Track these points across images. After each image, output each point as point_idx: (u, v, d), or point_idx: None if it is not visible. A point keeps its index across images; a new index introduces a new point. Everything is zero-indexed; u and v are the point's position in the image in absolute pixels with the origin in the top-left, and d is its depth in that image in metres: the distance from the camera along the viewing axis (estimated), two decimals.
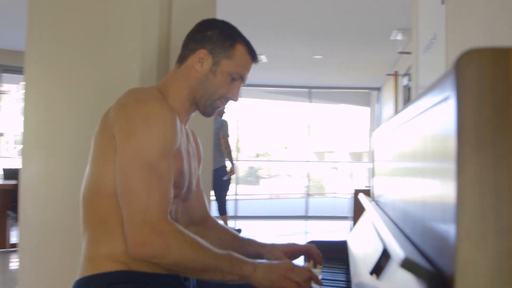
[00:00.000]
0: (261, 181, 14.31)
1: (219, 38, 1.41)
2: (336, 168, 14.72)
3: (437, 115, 0.66)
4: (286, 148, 15.18)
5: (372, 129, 10.46)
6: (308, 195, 8.73)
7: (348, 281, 1.44)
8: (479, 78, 0.57)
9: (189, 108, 1.44)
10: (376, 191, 1.82)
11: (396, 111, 6.37)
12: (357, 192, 6.66)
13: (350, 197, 8.11)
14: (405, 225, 1.00)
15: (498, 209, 0.56)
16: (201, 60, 1.40)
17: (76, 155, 2.24)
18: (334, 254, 1.80)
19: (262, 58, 6.69)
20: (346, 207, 10.13)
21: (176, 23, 2.41)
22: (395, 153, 1.22)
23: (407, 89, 5.99)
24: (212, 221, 1.68)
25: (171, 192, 1.28)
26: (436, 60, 2.59)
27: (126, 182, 1.22)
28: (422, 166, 0.81)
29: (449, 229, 0.60)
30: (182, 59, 1.45)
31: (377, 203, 1.64)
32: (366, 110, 11.45)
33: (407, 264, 0.63)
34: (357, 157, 17.18)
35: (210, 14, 2.47)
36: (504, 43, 1.53)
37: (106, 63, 2.29)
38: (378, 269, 0.99)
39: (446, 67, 2.27)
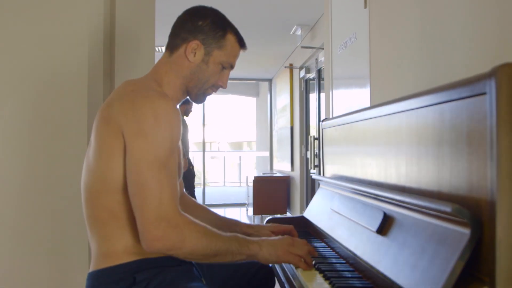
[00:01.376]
0: None
1: (210, 29, 1.45)
2: (215, 157, 15.01)
3: (469, 105, 0.90)
4: None
5: (260, 119, 10.90)
6: (205, 184, 8.88)
7: (326, 246, 1.67)
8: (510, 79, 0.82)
9: (181, 97, 1.50)
10: (329, 173, 2.08)
11: (292, 102, 6.78)
12: (257, 179, 7.02)
13: (246, 185, 8.49)
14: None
15: None
16: (193, 51, 1.44)
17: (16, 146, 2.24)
18: (295, 227, 2.03)
19: (162, 49, 6.70)
20: (239, 195, 10.52)
21: (120, 6, 2.49)
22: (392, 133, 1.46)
23: (304, 81, 6.41)
24: (187, 198, 1.79)
25: (178, 185, 1.35)
26: (353, 56, 2.91)
27: (139, 181, 1.25)
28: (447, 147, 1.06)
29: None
30: (173, 47, 1.47)
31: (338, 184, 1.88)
32: (252, 101, 11.88)
33: (456, 211, 0.86)
34: (237, 146, 17.65)
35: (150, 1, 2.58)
36: (422, 43, 1.85)
37: (53, 48, 2.29)
38: (380, 231, 1.23)
39: (369, 61, 2.59)
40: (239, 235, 1.38)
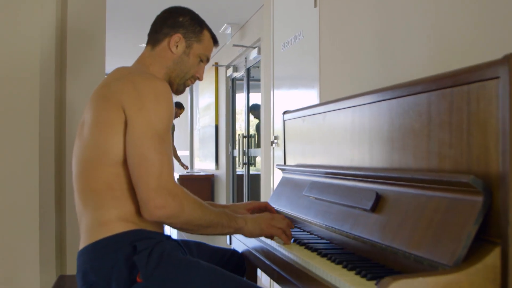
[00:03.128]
0: None
1: (190, 24, 1.61)
2: None
3: (483, 88, 1.02)
4: None
5: (180, 118, 10.80)
6: None
7: (301, 230, 1.74)
8: None
9: None
10: (292, 162, 2.16)
11: (218, 100, 6.82)
12: (182, 177, 6.98)
13: None
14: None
15: None
16: (176, 44, 1.58)
17: None
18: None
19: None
20: None
21: (72, 4, 2.46)
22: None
23: (231, 79, 6.48)
24: None
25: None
26: (300, 54, 3.03)
27: (141, 152, 1.34)
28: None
29: None
30: (155, 42, 1.61)
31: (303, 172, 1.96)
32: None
33: (472, 181, 0.97)
34: None
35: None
36: (374, 42, 2.00)
37: (5, 44, 2.21)
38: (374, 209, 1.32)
39: (319, 61, 2.71)
40: (227, 211, 1.51)
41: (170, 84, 1.59)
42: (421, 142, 1.22)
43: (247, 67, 5.67)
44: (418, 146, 1.23)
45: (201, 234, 1.45)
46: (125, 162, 1.37)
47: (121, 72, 1.51)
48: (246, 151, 5.61)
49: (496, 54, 1.03)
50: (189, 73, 1.62)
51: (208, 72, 7.20)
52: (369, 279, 1.08)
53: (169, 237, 1.51)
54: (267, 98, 3.69)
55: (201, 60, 1.64)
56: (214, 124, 6.90)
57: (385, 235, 1.22)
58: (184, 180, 6.93)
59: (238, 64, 6.06)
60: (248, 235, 1.52)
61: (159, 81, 1.43)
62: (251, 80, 5.80)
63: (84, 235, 1.41)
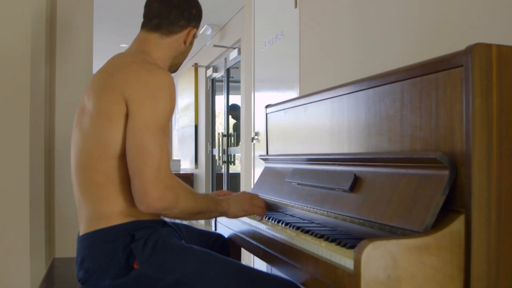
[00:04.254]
0: None
1: (199, 15, 1.66)
2: None
3: (448, 75, 1.14)
4: None
5: None
6: None
7: (284, 214, 1.86)
8: (481, 55, 1.08)
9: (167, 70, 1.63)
10: (274, 153, 2.27)
11: (197, 101, 6.90)
12: None
13: None
14: None
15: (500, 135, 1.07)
16: (190, 38, 1.62)
17: None
18: None
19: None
20: None
21: None
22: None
23: (210, 80, 6.58)
24: None
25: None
26: (280, 54, 3.15)
27: (141, 144, 1.35)
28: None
29: None
30: (168, 31, 1.56)
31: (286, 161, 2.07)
32: None
33: (439, 157, 1.10)
34: None
35: None
36: (354, 44, 2.13)
37: None
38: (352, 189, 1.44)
39: (299, 61, 2.83)
40: (211, 195, 1.58)
41: (171, 66, 1.64)
42: (395, 126, 1.34)
43: (227, 67, 5.77)
44: (392, 130, 1.35)
45: (190, 220, 1.53)
46: (124, 155, 1.38)
47: (123, 60, 1.49)
48: (226, 150, 5.71)
49: (460, 46, 1.16)
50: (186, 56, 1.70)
51: (188, 73, 7.28)
52: (349, 247, 1.20)
53: (165, 223, 1.55)
54: (248, 97, 3.80)
55: None
56: (193, 124, 6.98)
57: (362, 211, 1.34)
58: None
59: (218, 64, 6.16)
60: (232, 216, 1.61)
61: (163, 73, 1.43)
62: (230, 81, 5.91)
63: (84, 223, 1.44)
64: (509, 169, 1.09)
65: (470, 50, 1.08)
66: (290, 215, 1.81)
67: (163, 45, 1.58)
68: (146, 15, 1.58)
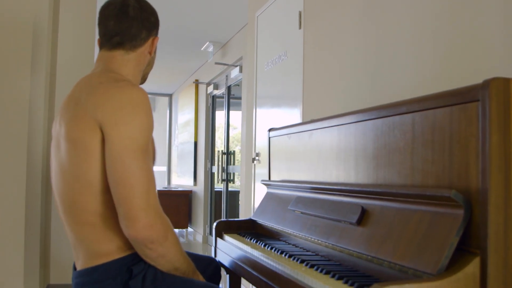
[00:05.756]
0: None
1: (158, 21, 1.54)
2: None
3: (464, 109, 1.10)
4: None
5: (157, 132, 10.81)
6: None
7: (285, 243, 1.80)
8: (499, 90, 1.03)
9: (138, 84, 1.54)
10: (277, 178, 2.22)
11: (197, 117, 6.87)
12: (159, 192, 6.96)
13: None
14: None
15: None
16: (154, 47, 1.53)
17: None
18: (244, 229, 2.15)
19: None
20: None
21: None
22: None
23: (211, 97, 6.54)
24: None
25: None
26: (283, 74, 3.11)
27: (124, 169, 1.25)
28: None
29: None
30: (132, 46, 1.47)
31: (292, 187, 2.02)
32: None
33: (454, 195, 1.05)
34: None
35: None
36: (358, 65, 2.10)
37: None
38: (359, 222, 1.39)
39: (303, 81, 2.80)
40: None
41: (142, 79, 1.56)
42: (405, 159, 1.29)
43: (228, 85, 5.74)
44: (403, 163, 1.30)
45: (161, 269, 1.37)
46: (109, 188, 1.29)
47: (89, 82, 1.38)
48: (225, 168, 5.65)
49: (476, 79, 1.12)
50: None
51: (188, 89, 7.26)
52: (357, 287, 1.14)
53: None
54: (249, 116, 3.76)
55: None
56: (193, 141, 6.93)
57: (370, 247, 1.29)
58: (162, 195, 6.88)
59: (219, 82, 6.14)
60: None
61: (136, 89, 1.34)
62: (231, 98, 5.88)
63: (80, 260, 1.38)
64: None
65: (487, 84, 1.04)
66: (293, 245, 1.76)
67: (130, 61, 1.47)
68: (104, 34, 1.46)
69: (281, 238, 1.89)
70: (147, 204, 1.26)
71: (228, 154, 5.69)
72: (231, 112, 5.88)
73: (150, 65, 1.58)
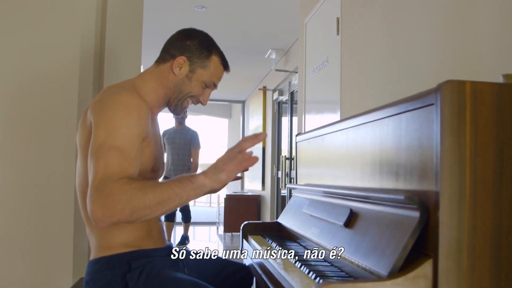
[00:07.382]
0: None
1: (197, 49, 1.60)
2: None
3: (426, 113, 1.11)
4: None
5: (232, 140, 11.11)
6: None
7: (298, 245, 1.85)
8: (453, 93, 1.04)
9: (162, 105, 1.64)
10: (302, 182, 2.27)
11: (265, 123, 7.00)
12: (228, 197, 7.17)
13: (217, 204, 8.62)
14: None
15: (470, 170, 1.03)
16: (179, 66, 1.58)
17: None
18: (269, 231, 2.22)
19: None
20: (209, 214, 10.62)
21: (110, 21, 2.69)
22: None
23: (277, 103, 6.65)
24: None
25: (136, 173, 1.37)
26: (325, 80, 3.14)
27: (90, 163, 1.30)
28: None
29: None
30: (161, 60, 1.61)
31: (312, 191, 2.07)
32: (225, 122, 12.09)
33: (408, 198, 1.07)
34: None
35: (138, 16, 2.79)
36: (388, 69, 2.09)
37: (46, 57, 2.46)
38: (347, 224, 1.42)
39: (340, 86, 2.82)
40: (184, 176, 1.37)
41: (169, 103, 1.61)
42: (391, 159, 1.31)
43: (291, 91, 5.82)
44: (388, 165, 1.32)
45: (162, 213, 1.33)
46: None
47: (101, 92, 1.51)
48: (288, 173, 5.72)
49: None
50: (188, 95, 1.62)
51: (257, 96, 7.42)
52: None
53: (169, 253, 1.59)
54: (300, 122, 3.81)
55: (207, 86, 1.64)
56: (261, 147, 7.07)
57: (350, 248, 1.32)
58: (232, 200, 7.13)
59: (283, 88, 6.23)
60: (218, 187, 1.39)
61: (126, 93, 1.40)
62: (294, 104, 5.94)
63: (92, 250, 1.54)
64: (485, 213, 1.04)
65: (439, 87, 1.05)
66: (304, 247, 1.81)
67: (156, 73, 1.59)
68: None
69: (297, 240, 1.94)
70: (94, 191, 1.25)
71: (292, 159, 5.76)
72: (293, 117, 5.94)
73: (178, 88, 1.59)
